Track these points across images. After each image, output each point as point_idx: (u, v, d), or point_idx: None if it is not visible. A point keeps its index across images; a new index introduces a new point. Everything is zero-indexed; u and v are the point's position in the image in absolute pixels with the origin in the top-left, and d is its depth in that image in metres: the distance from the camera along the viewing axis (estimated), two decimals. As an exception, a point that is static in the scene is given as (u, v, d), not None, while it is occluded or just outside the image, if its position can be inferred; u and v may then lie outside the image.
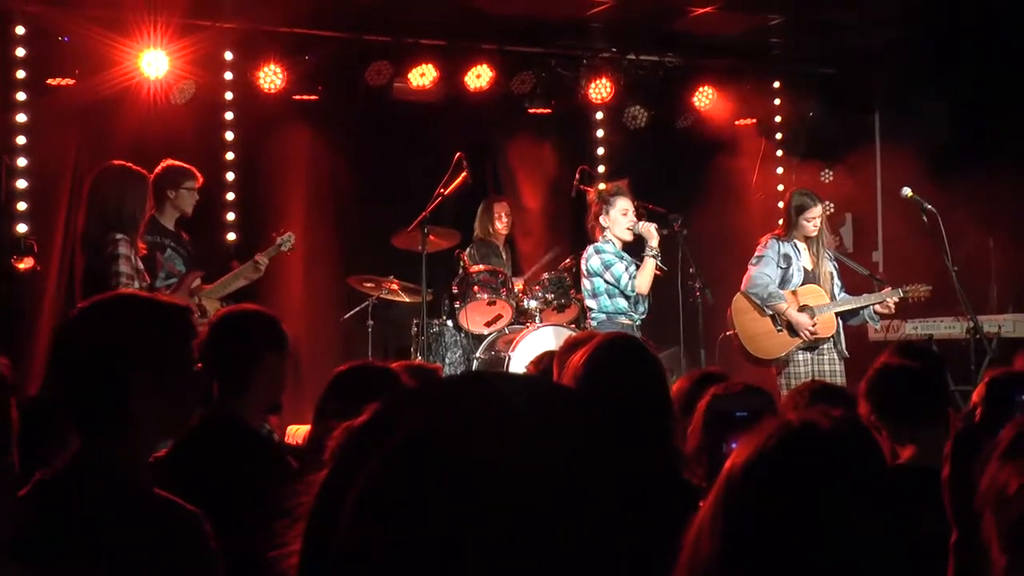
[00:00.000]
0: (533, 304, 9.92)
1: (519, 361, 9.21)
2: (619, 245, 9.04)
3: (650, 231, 8.94)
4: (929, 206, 8.62)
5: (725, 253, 10.58)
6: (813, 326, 8.64)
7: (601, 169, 11.74)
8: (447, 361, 9.87)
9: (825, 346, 8.76)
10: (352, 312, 10.29)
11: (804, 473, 1.68)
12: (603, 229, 9.08)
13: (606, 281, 8.93)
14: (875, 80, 11.83)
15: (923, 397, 4.07)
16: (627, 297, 8.94)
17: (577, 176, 10.46)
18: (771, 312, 8.74)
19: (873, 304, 8.74)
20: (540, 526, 1.15)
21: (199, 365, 2.96)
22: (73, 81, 9.60)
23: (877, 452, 1.80)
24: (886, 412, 4.03)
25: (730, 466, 1.74)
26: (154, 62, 9.51)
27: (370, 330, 10.12)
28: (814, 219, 8.76)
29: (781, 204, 12.03)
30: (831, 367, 8.73)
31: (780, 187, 12.23)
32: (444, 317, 10.24)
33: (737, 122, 12.03)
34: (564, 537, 1.16)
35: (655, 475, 2.77)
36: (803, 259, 8.83)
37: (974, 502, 1.77)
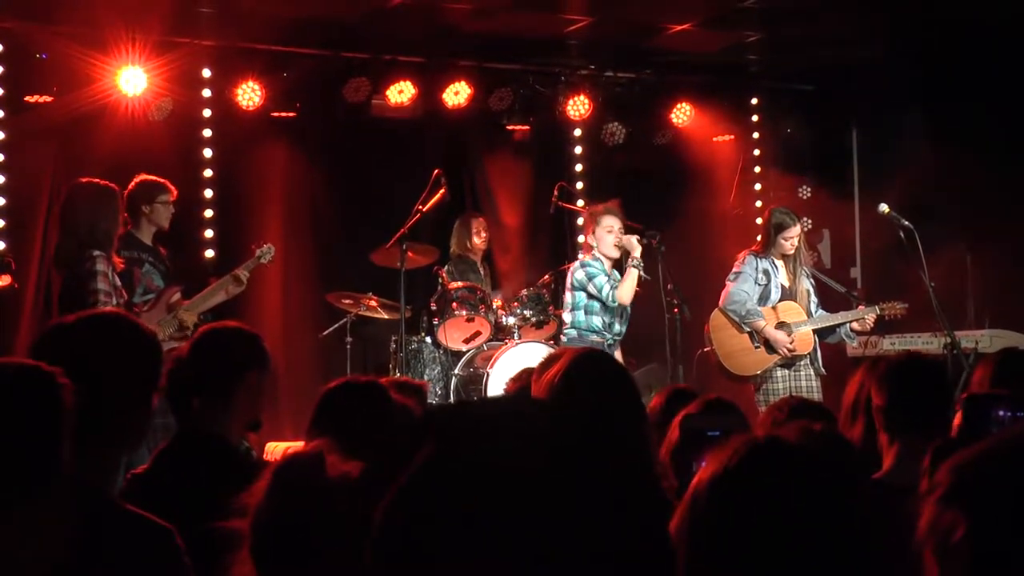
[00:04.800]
0: (511, 321, 9.93)
1: (498, 378, 9.22)
2: (608, 264, 9.11)
3: (632, 243, 9.00)
4: (906, 222, 8.66)
5: (703, 270, 10.61)
6: (791, 343, 8.68)
7: (580, 186, 11.76)
8: (426, 378, 9.86)
9: (802, 363, 8.80)
10: (330, 329, 10.28)
11: (768, 489, 1.69)
12: (591, 248, 9.17)
13: (588, 294, 8.99)
14: (852, 97, 11.88)
15: (938, 391, 4.07)
16: (607, 311, 8.98)
17: (555, 192, 10.48)
18: (749, 329, 8.77)
19: (850, 321, 8.80)
20: (525, 522, 1.22)
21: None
22: (51, 98, 9.59)
23: (850, 468, 1.80)
24: (900, 396, 4.00)
25: (696, 483, 1.75)
26: (132, 79, 9.50)
27: (348, 347, 10.11)
28: (792, 238, 8.81)
29: (760, 220, 12.10)
30: (808, 383, 8.77)
31: (758, 203, 12.26)
32: (423, 334, 10.24)
33: (715, 139, 12.06)
34: (546, 530, 1.23)
35: (630, 484, 2.78)
36: (780, 276, 8.88)
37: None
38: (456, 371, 9.88)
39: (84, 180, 7.66)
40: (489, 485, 1.26)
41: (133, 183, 8.23)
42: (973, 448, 1.54)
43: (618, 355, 9.22)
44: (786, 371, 8.77)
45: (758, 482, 1.69)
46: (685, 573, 1.68)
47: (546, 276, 10.31)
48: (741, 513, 1.67)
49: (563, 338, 9.11)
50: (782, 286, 8.87)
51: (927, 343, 9.63)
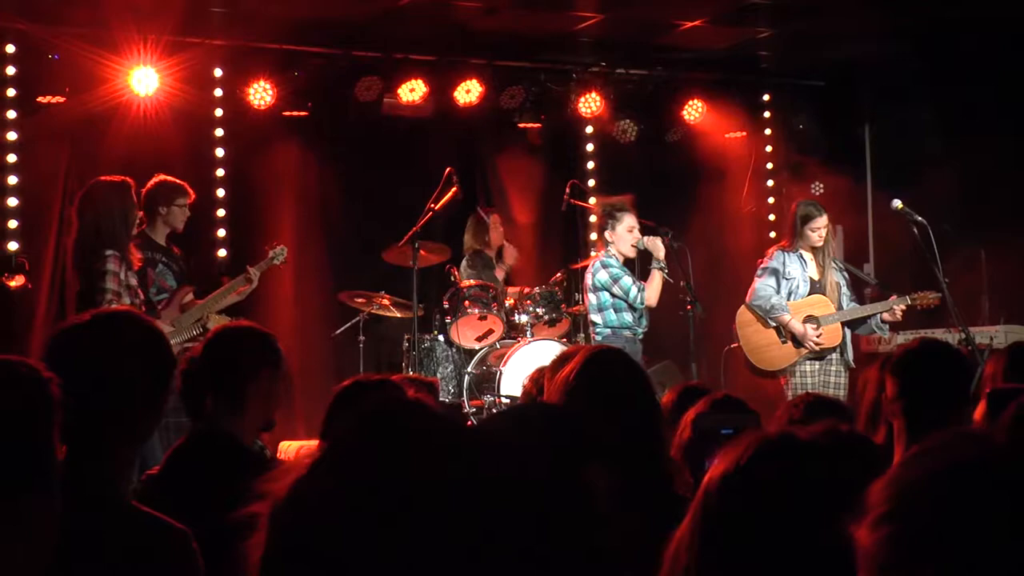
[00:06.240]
0: (524, 319, 9.92)
1: (511, 376, 9.22)
2: (620, 260, 9.11)
3: (657, 245, 9.01)
4: (919, 218, 8.62)
5: (716, 266, 10.60)
6: (818, 336, 8.66)
7: (591, 183, 11.74)
8: (439, 376, 9.85)
9: (833, 356, 8.79)
10: (343, 328, 10.28)
11: (779, 486, 1.68)
12: (607, 244, 9.15)
13: (613, 295, 8.99)
14: (864, 92, 11.86)
15: (954, 379, 4.02)
16: (634, 311, 9.00)
17: (567, 190, 10.47)
18: (775, 324, 8.76)
19: (880, 312, 8.77)
20: (519, 528, 1.21)
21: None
22: (63, 99, 9.60)
23: (865, 466, 1.79)
24: (914, 384, 3.95)
25: (707, 480, 1.74)
26: (144, 79, 9.51)
27: (361, 346, 10.11)
28: (819, 229, 8.80)
29: (772, 217, 12.10)
30: (836, 378, 8.77)
31: (771, 200, 12.25)
32: (435, 332, 10.23)
33: (727, 135, 12.04)
34: (541, 537, 1.22)
35: (643, 481, 2.76)
36: (809, 269, 8.86)
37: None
38: (469, 369, 9.87)
39: (99, 179, 7.70)
40: (496, 487, 1.24)
41: (152, 182, 8.26)
42: (903, 469, 1.48)
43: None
44: (817, 364, 8.78)
45: (769, 479, 1.69)
46: (698, 570, 1.68)
47: (558, 274, 10.29)
48: (752, 510, 1.67)
49: (596, 337, 9.11)
50: (811, 280, 8.85)
51: (941, 339, 9.58)
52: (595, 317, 9.17)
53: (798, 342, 8.72)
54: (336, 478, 1.26)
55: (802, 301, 8.80)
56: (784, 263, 8.83)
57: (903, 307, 8.72)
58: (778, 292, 8.77)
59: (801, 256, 8.87)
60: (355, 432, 1.31)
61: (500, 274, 10.72)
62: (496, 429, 1.33)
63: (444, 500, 1.21)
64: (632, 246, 9.12)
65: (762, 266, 8.94)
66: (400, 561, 1.19)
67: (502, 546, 1.20)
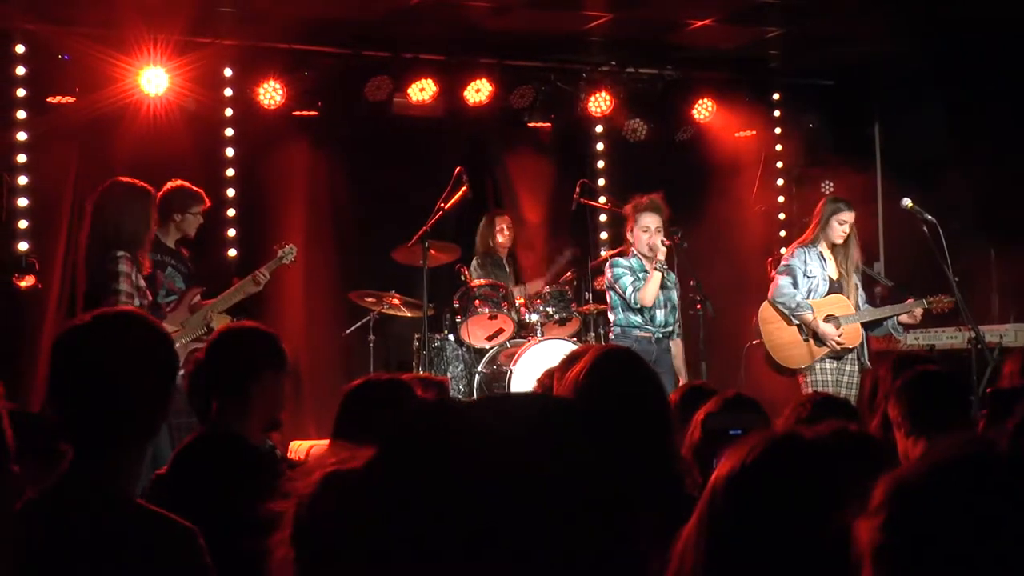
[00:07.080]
0: (534, 318, 9.93)
1: (521, 375, 9.22)
2: (647, 262, 9.08)
3: (657, 245, 8.98)
4: (929, 216, 8.62)
5: (726, 265, 10.58)
6: (839, 336, 8.66)
7: (601, 182, 11.74)
8: (449, 375, 9.85)
9: (850, 356, 8.79)
10: (353, 327, 10.29)
11: (784, 485, 1.68)
12: (631, 244, 9.16)
13: (619, 295, 9.02)
14: (874, 92, 11.84)
15: (955, 400, 4.11)
16: (641, 311, 8.99)
17: (577, 189, 10.47)
18: (798, 322, 8.76)
19: (897, 315, 8.77)
20: (531, 522, 1.21)
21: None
22: (73, 99, 9.62)
23: (874, 465, 1.78)
24: (919, 409, 4.05)
25: (714, 479, 1.74)
26: (154, 79, 9.53)
27: (371, 345, 10.11)
28: (846, 223, 8.78)
29: (782, 215, 12.09)
30: (850, 378, 8.78)
31: (780, 199, 12.24)
32: (446, 331, 10.24)
33: (737, 134, 12.03)
34: (553, 532, 1.22)
35: (651, 482, 2.77)
36: (829, 268, 8.85)
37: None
38: (479, 368, 9.87)
39: (119, 179, 7.67)
40: (503, 484, 1.25)
41: (169, 187, 8.23)
42: (907, 465, 1.49)
43: (676, 346, 9.23)
44: (835, 363, 8.78)
45: (775, 478, 1.69)
46: (704, 569, 1.68)
47: (568, 273, 10.30)
48: (758, 509, 1.67)
49: (611, 336, 9.17)
50: (830, 279, 8.84)
51: (951, 338, 9.58)
52: (610, 316, 9.23)
53: (820, 341, 8.72)
54: (387, 477, 1.27)
55: (822, 300, 8.79)
56: (805, 261, 8.82)
57: (920, 310, 8.72)
58: (797, 290, 8.77)
59: (821, 255, 8.85)
60: (404, 433, 1.32)
61: (511, 278, 10.72)
62: (514, 422, 1.34)
63: (478, 495, 1.22)
64: (648, 245, 9.09)
65: (783, 263, 8.93)
66: (448, 552, 1.21)
67: (543, 539, 1.22)
